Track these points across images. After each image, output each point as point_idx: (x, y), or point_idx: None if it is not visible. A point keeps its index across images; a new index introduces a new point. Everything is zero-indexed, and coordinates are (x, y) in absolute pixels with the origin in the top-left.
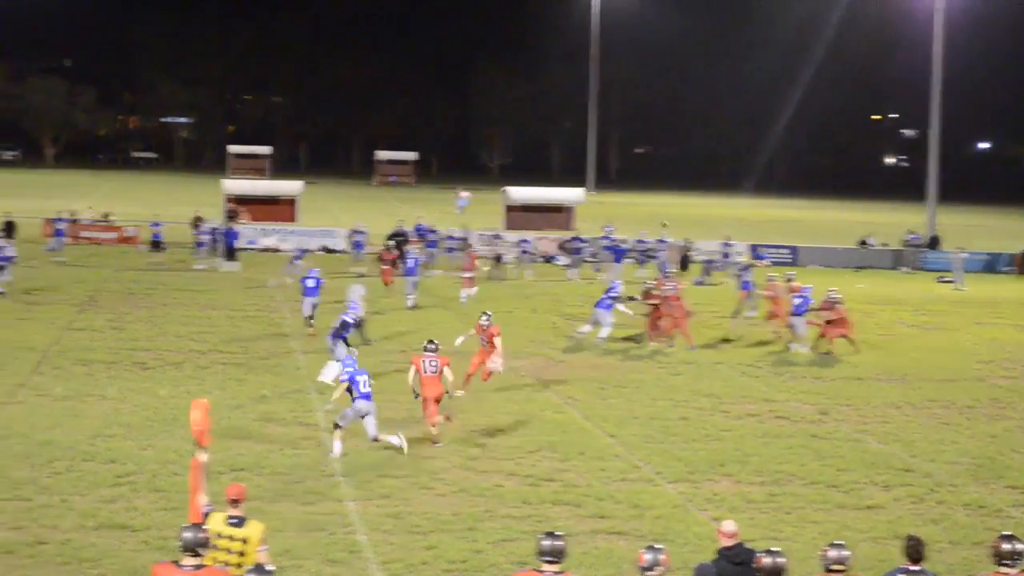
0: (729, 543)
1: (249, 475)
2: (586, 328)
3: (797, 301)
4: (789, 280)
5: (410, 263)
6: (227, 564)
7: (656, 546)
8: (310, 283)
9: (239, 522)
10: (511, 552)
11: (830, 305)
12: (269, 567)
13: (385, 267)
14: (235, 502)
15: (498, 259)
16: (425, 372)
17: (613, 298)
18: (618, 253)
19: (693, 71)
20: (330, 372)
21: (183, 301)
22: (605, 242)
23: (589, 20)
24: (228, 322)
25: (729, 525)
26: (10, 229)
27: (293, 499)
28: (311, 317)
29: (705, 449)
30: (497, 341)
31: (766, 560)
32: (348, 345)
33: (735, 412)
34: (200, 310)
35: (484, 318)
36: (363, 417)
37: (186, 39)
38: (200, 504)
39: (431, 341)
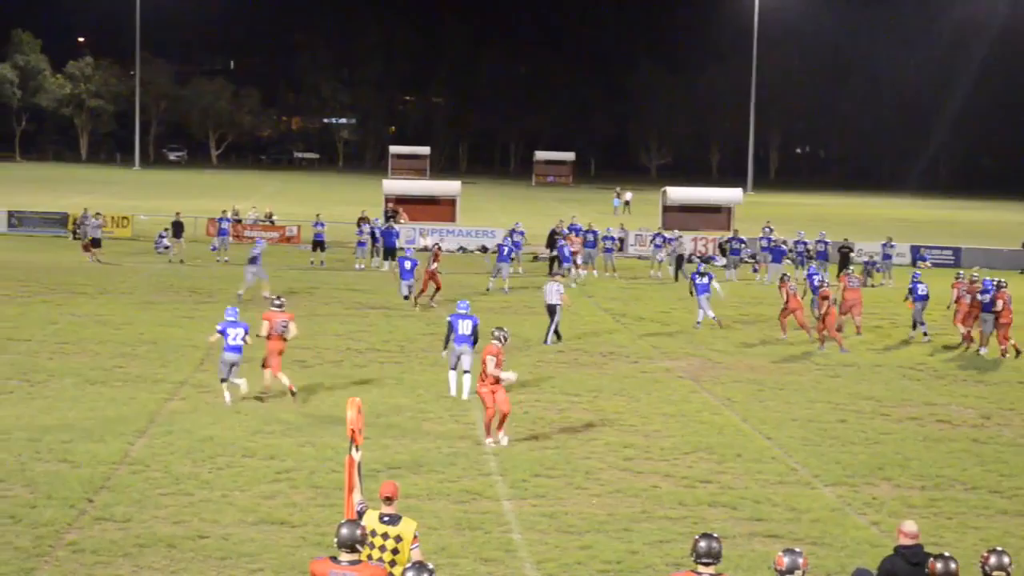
0: (908, 543)
1: (405, 473)
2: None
3: (985, 298)
4: (973, 281)
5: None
6: (380, 561)
7: (795, 549)
8: (407, 265)
9: (393, 520)
10: (667, 553)
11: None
12: (429, 565)
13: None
14: (389, 500)
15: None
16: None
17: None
18: (776, 253)
19: (854, 69)
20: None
21: (343, 300)
22: (763, 242)
23: (749, 19)
24: (386, 321)
25: (910, 525)
26: (178, 229)
27: (449, 498)
28: (407, 297)
29: (864, 452)
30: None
31: (939, 566)
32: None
33: (895, 415)
34: (359, 309)
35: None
36: (230, 367)
37: (348, 41)
38: (355, 502)
39: (278, 297)
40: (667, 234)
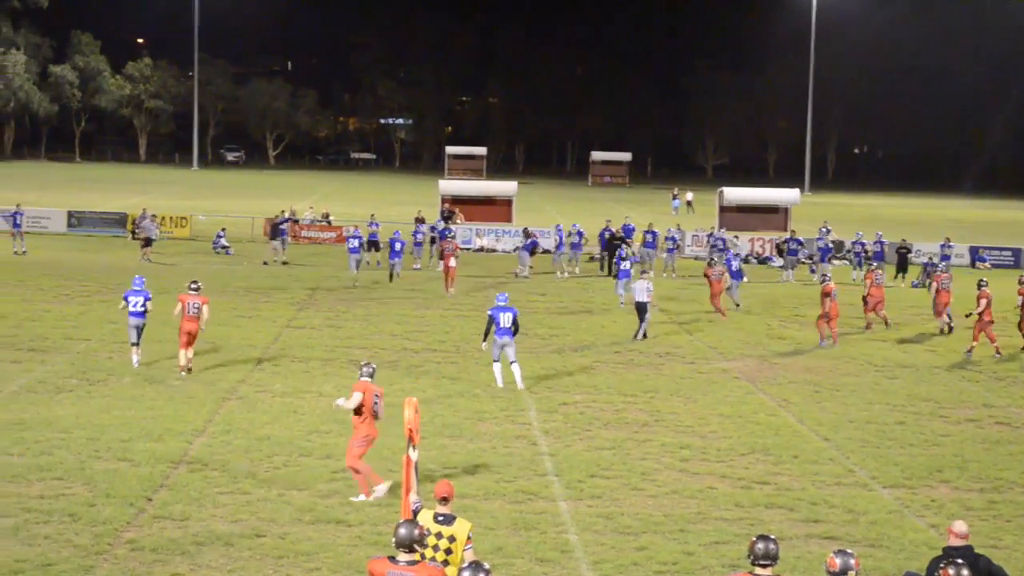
0: (958, 543)
1: (461, 473)
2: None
3: None
4: None
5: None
6: (433, 561)
7: (847, 550)
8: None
9: (447, 520)
10: (723, 555)
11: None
12: (485, 564)
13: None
14: (444, 500)
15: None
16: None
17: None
18: (824, 252)
19: (912, 68)
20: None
21: (399, 300)
22: (820, 243)
23: (807, 18)
24: (442, 321)
25: (960, 526)
26: (275, 229)
27: (505, 498)
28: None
29: (923, 454)
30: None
31: (951, 571)
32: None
33: (954, 417)
34: (415, 309)
35: None
36: (136, 331)
37: (404, 41)
38: (411, 501)
39: (194, 281)
40: (723, 235)
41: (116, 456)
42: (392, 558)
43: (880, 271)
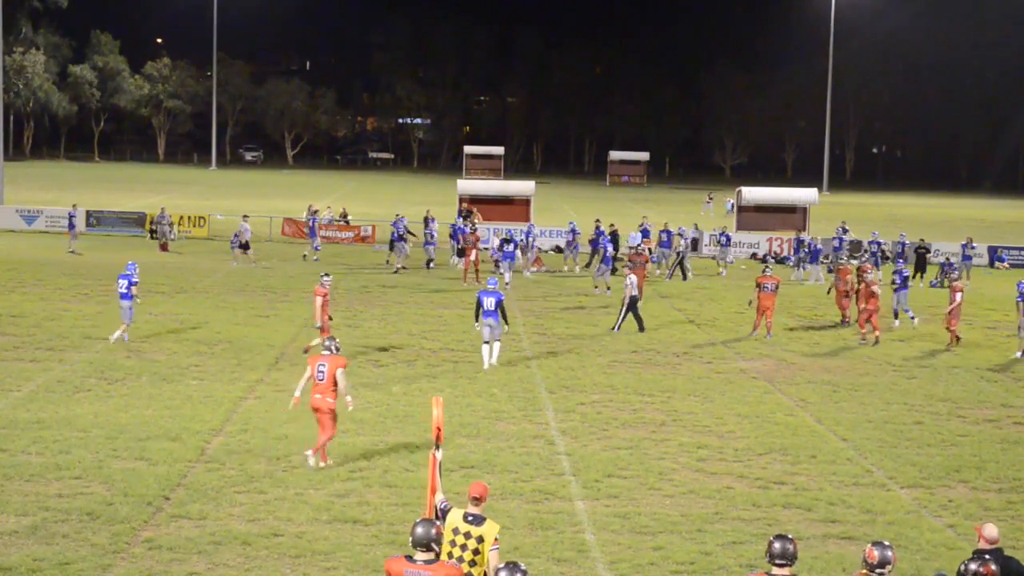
0: (987, 547)
1: (479, 472)
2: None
3: None
4: None
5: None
6: (460, 560)
7: (885, 543)
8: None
9: (477, 520)
10: (740, 554)
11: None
12: (522, 565)
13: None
14: (477, 500)
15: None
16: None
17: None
18: (815, 254)
19: (932, 68)
20: None
21: (417, 299)
22: (835, 243)
23: (825, 18)
24: (460, 320)
25: (991, 530)
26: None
27: (522, 497)
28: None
29: (941, 455)
30: None
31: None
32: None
33: (972, 417)
34: (433, 308)
35: None
36: (126, 311)
37: (423, 41)
38: (437, 501)
39: (325, 274)
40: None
41: (134, 455)
42: (409, 557)
43: (871, 268)
